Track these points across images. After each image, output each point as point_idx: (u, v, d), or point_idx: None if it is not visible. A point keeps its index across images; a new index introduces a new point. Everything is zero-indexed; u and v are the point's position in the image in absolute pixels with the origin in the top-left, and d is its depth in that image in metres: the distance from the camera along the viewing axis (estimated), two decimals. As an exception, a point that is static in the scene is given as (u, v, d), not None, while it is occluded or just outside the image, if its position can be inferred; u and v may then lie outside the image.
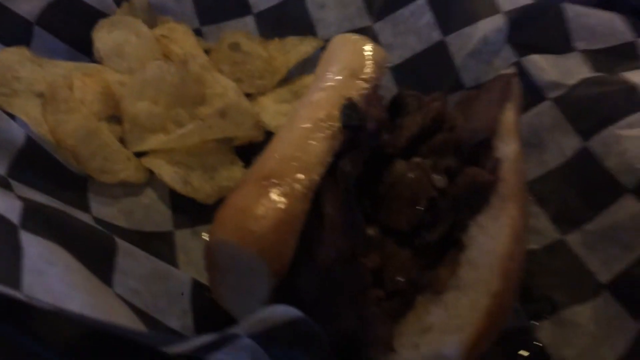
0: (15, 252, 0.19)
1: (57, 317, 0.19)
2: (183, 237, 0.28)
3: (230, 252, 0.21)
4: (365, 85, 0.25)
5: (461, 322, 0.20)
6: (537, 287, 0.28)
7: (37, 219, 0.22)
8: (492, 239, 0.21)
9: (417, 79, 0.36)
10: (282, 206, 0.20)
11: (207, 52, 0.36)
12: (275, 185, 0.21)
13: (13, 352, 0.21)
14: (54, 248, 0.20)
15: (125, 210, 0.28)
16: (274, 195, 0.21)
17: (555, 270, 0.28)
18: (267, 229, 0.20)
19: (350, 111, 0.23)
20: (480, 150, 0.24)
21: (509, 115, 0.25)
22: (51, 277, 0.20)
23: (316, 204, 0.21)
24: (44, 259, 0.20)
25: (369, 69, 0.26)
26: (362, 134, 0.23)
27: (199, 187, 0.29)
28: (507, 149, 0.24)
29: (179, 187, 0.28)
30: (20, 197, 0.23)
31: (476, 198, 0.23)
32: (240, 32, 0.38)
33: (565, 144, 0.31)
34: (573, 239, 0.29)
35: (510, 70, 0.29)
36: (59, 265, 0.19)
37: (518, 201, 0.22)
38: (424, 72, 0.36)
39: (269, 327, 0.19)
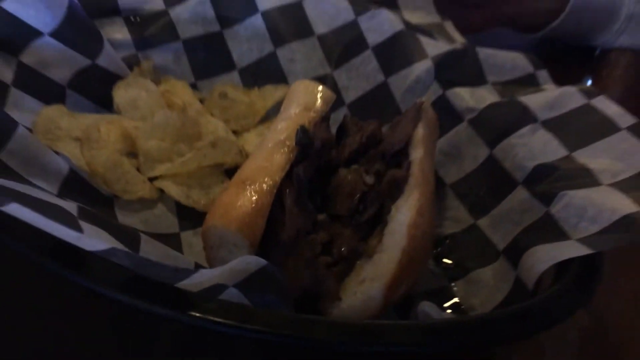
0: (77, 230, 0.27)
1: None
2: (187, 237, 0.36)
3: (219, 233, 0.29)
4: (315, 116, 0.34)
5: (382, 272, 0.28)
6: (455, 259, 0.36)
7: (87, 215, 0.30)
8: (403, 215, 0.30)
9: (367, 112, 0.44)
10: (254, 199, 0.29)
11: (201, 101, 0.45)
12: (249, 185, 0.30)
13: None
14: (102, 233, 0.28)
15: (143, 219, 0.37)
16: (248, 193, 0.29)
17: (469, 246, 0.36)
18: (244, 214, 0.29)
19: (302, 134, 0.31)
20: (398, 156, 0.33)
21: (419, 131, 0.33)
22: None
23: (279, 198, 0.30)
24: (96, 237, 0.27)
25: (318, 104, 0.35)
26: (311, 149, 0.32)
27: (198, 199, 0.37)
28: (416, 154, 0.32)
29: (182, 200, 0.36)
30: (74, 201, 0.31)
31: (395, 189, 0.31)
32: (227, 84, 0.46)
33: (478, 154, 0.39)
34: (482, 223, 0.36)
35: (423, 98, 0.38)
36: (108, 242, 0.27)
37: (422, 188, 0.30)
38: (372, 106, 0.44)
39: (246, 276, 0.27)
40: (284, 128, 0.32)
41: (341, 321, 0.26)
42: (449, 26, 0.50)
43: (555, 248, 0.29)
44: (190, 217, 0.36)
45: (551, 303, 0.28)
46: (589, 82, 0.63)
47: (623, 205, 0.29)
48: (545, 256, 0.29)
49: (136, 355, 0.32)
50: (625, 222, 0.28)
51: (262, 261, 0.26)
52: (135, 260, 0.26)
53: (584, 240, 0.29)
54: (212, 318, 0.25)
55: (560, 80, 0.54)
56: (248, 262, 0.26)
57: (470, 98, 0.41)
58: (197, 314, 0.25)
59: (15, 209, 0.24)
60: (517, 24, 0.64)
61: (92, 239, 0.25)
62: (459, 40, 0.48)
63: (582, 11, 0.61)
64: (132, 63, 0.44)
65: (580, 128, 0.35)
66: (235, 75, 0.47)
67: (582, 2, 0.61)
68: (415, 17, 0.49)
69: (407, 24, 0.46)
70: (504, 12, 0.62)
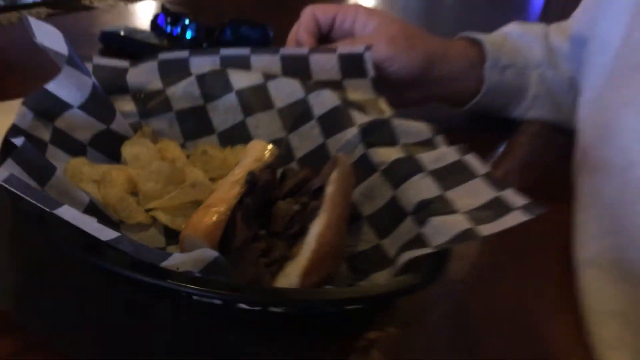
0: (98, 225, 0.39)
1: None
2: (170, 249, 0.49)
3: (191, 240, 0.42)
4: (262, 164, 0.48)
5: (298, 267, 0.41)
6: (363, 268, 0.48)
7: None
8: (315, 230, 0.43)
9: (310, 165, 0.58)
10: (215, 218, 0.42)
11: (187, 156, 0.58)
12: (212, 209, 0.43)
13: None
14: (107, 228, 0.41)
15: (140, 237, 0.48)
16: (211, 214, 0.43)
17: (374, 258, 0.48)
18: (207, 227, 0.41)
19: (250, 176, 0.45)
20: (318, 191, 0.47)
21: (333, 175, 0.47)
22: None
23: (232, 218, 0.43)
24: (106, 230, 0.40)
25: (265, 157, 0.49)
26: (256, 186, 0.45)
27: (180, 224, 0.50)
28: (329, 190, 0.45)
29: (169, 224, 0.49)
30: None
31: (313, 214, 0.45)
32: (207, 144, 0.61)
33: (385, 194, 0.52)
34: (384, 242, 0.49)
35: (340, 154, 0.51)
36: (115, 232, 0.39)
37: (329, 213, 0.44)
38: (314, 161, 0.57)
39: (206, 264, 0.40)
40: (239, 172, 0.46)
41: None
42: (382, 102, 0.64)
43: (413, 252, 0.43)
44: (174, 236, 0.49)
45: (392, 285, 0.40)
46: (505, 146, 0.78)
47: (465, 224, 0.43)
48: (407, 257, 0.42)
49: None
50: (464, 234, 0.42)
51: (216, 253, 0.39)
52: (135, 246, 0.39)
53: (433, 247, 0.42)
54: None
55: (483, 143, 0.69)
56: (207, 253, 0.39)
57: (384, 155, 0.54)
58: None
59: (64, 211, 0.38)
60: (445, 101, 0.80)
61: (106, 230, 0.39)
62: (388, 112, 0.62)
63: (494, 92, 0.76)
64: (136, 128, 0.58)
65: (452, 175, 0.50)
66: (214, 138, 0.61)
67: (493, 86, 0.76)
68: (355, 95, 0.63)
69: (345, 100, 0.61)
70: (434, 92, 0.76)
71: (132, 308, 0.41)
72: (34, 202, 0.36)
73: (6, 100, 0.66)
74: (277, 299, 0.36)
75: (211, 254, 0.37)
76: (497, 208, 0.43)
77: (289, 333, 0.39)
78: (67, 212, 0.36)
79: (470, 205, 0.45)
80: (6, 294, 0.41)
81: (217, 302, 0.34)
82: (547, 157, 0.72)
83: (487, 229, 0.40)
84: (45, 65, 0.53)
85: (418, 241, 0.44)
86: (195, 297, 0.36)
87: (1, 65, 0.81)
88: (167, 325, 0.41)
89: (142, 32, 0.96)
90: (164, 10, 0.98)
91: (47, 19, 1.04)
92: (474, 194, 0.47)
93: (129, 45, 0.91)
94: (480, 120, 0.80)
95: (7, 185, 0.37)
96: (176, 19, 0.98)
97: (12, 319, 0.39)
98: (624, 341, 0.46)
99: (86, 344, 0.38)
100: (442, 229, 0.43)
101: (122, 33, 0.93)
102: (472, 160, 0.50)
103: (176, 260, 0.36)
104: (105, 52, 0.90)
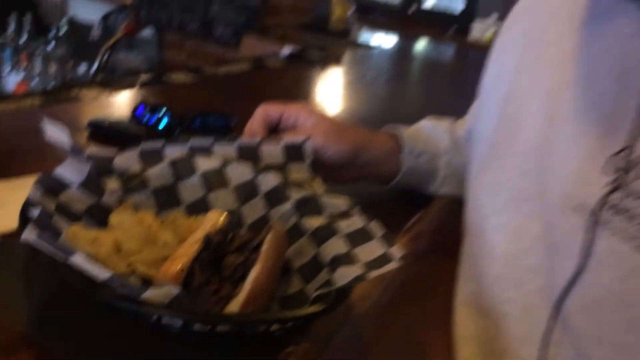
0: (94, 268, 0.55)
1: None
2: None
3: (161, 284, 0.58)
4: (216, 229, 0.65)
5: (237, 302, 0.55)
6: (290, 307, 0.64)
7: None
8: (251, 275, 0.59)
9: (256, 229, 0.75)
10: (179, 267, 0.58)
11: (161, 222, 0.75)
12: (176, 260, 0.59)
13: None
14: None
15: None
16: (176, 264, 0.58)
17: (299, 300, 0.63)
18: (173, 274, 0.57)
19: (207, 237, 0.62)
20: (257, 248, 0.63)
21: (268, 236, 0.63)
22: None
23: (192, 267, 0.59)
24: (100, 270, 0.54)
25: (219, 223, 0.66)
26: (211, 245, 0.62)
27: (155, 274, 0.66)
28: (265, 247, 0.61)
29: (146, 274, 0.65)
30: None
31: (252, 264, 0.61)
32: (177, 214, 0.77)
33: (310, 252, 0.68)
34: (307, 287, 0.66)
35: (275, 220, 0.68)
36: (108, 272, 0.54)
37: (263, 263, 0.59)
38: (259, 227, 0.74)
39: (172, 297, 0.54)
40: (199, 234, 0.62)
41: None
42: (317, 181, 0.80)
43: (322, 290, 0.59)
44: (149, 283, 0.65)
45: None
46: (420, 214, 0.96)
47: (359, 271, 0.59)
48: (317, 293, 0.58)
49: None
50: (357, 278, 0.58)
51: (179, 289, 0.54)
52: (123, 283, 0.53)
53: (336, 286, 0.59)
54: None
55: (404, 212, 0.86)
56: (173, 289, 0.54)
57: (311, 223, 0.71)
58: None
59: (76, 257, 0.53)
60: (373, 180, 0.98)
61: (102, 272, 0.54)
62: (321, 189, 0.80)
63: (411, 174, 0.94)
64: (121, 201, 0.75)
65: (358, 237, 0.66)
66: (182, 209, 0.77)
67: (410, 169, 0.94)
68: (296, 175, 0.80)
69: (286, 180, 0.78)
70: (362, 173, 0.93)
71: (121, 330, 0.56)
72: (56, 251, 0.52)
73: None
74: (222, 319, 0.51)
75: (176, 290, 0.53)
76: (383, 260, 0.60)
77: (230, 349, 0.54)
78: (77, 259, 0.52)
79: (366, 258, 0.62)
80: (22, 312, 0.55)
81: (179, 322, 0.50)
82: (451, 223, 0.90)
83: (372, 274, 0.57)
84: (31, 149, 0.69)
85: (328, 284, 0.61)
86: (164, 320, 0.51)
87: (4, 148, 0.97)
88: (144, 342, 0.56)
89: (122, 122, 1.14)
90: (143, 102, 1.17)
91: (40, 108, 1.21)
92: (370, 250, 0.64)
93: (111, 133, 1.09)
94: (402, 194, 0.97)
95: (37, 241, 0.52)
96: (153, 109, 1.16)
97: (28, 334, 0.52)
98: (478, 358, 0.62)
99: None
100: (344, 275, 0.60)
101: (105, 123, 1.10)
102: (374, 226, 0.68)
103: (151, 293, 0.52)
104: (92, 138, 1.07)
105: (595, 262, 0.41)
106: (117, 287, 0.47)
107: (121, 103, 1.38)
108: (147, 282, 0.64)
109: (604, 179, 0.40)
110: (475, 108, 0.93)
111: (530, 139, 0.63)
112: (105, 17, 4.04)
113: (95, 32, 3.94)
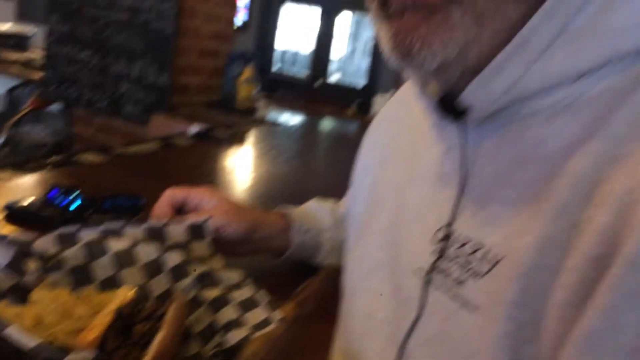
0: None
1: None
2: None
3: (79, 350, 0.68)
4: (126, 302, 0.76)
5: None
6: None
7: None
8: (157, 339, 0.71)
9: (162, 301, 0.88)
10: (94, 336, 0.69)
11: (77, 298, 0.86)
12: (92, 330, 0.70)
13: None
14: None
15: None
16: (92, 332, 0.69)
17: (197, 359, 0.77)
18: (90, 341, 0.68)
19: (118, 310, 0.74)
20: (161, 317, 0.75)
21: (172, 307, 0.76)
22: None
23: (105, 336, 0.70)
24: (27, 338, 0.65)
25: (129, 297, 0.78)
26: (120, 318, 0.73)
27: (73, 342, 0.76)
28: (168, 316, 0.74)
29: (65, 343, 0.75)
30: None
31: (157, 330, 0.73)
32: (90, 290, 0.88)
33: (207, 319, 0.81)
34: (205, 349, 0.78)
35: (179, 292, 0.81)
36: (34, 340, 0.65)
37: (167, 329, 0.72)
38: (164, 299, 0.87)
39: None
40: (111, 307, 0.74)
41: None
42: (217, 256, 0.91)
43: (213, 350, 0.72)
44: (68, 351, 0.75)
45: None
46: (307, 282, 1.11)
47: (244, 333, 0.73)
48: (210, 352, 0.71)
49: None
50: (244, 338, 0.72)
51: (94, 354, 0.65)
52: (47, 348, 0.64)
53: (226, 346, 0.72)
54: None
55: (293, 280, 1.01)
56: (89, 354, 0.65)
57: (208, 295, 0.83)
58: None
59: (12, 330, 0.62)
60: (267, 253, 1.13)
61: (30, 341, 0.64)
62: (219, 264, 0.93)
63: (300, 248, 1.08)
64: (41, 279, 0.85)
65: (248, 305, 0.80)
66: (96, 285, 0.88)
67: (299, 244, 1.08)
68: (197, 252, 0.93)
69: (188, 257, 0.91)
70: (258, 248, 1.06)
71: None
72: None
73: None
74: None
75: (92, 354, 0.64)
76: (266, 322, 0.74)
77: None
78: (12, 330, 0.62)
79: (253, 321, 0.76)
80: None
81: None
82: (333, 290, 1.05)
83: (257, 334, 0.71)
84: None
85: (221, 345, 0.74)
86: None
87: None
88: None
89: (35, 204, 1.23)
90: (57, 185, 1.27)
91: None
92: (257, 315, 0.78)
93: (26, 215, 1.18)
94: (293, 265, 1.12)
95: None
96: (66, 192, 1.26)
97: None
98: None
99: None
100: (234, 336, 0.73)
101: (18, 205, 1.19)
102: (261, 294, 0.82)
103: (71, 357, 0.63)
104: (8, 219, 1.15)
105: (427, 311, 0.56)
106: (43, 353, 0.58)
107: (35, 184, 1.46)
108: (65, 350, 0.75)
109: (432, 248, 0.58)
110: (350, 193, 1.11)
111: (385, 220, 0.80)
112: (11, 90, 4.05)
113: (0, 106, 3.93)
